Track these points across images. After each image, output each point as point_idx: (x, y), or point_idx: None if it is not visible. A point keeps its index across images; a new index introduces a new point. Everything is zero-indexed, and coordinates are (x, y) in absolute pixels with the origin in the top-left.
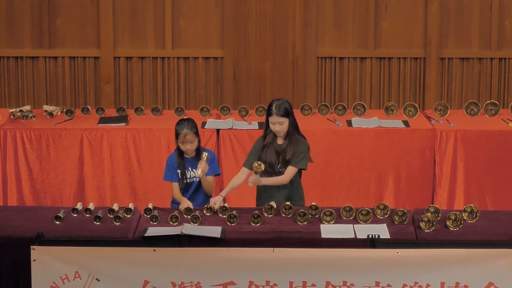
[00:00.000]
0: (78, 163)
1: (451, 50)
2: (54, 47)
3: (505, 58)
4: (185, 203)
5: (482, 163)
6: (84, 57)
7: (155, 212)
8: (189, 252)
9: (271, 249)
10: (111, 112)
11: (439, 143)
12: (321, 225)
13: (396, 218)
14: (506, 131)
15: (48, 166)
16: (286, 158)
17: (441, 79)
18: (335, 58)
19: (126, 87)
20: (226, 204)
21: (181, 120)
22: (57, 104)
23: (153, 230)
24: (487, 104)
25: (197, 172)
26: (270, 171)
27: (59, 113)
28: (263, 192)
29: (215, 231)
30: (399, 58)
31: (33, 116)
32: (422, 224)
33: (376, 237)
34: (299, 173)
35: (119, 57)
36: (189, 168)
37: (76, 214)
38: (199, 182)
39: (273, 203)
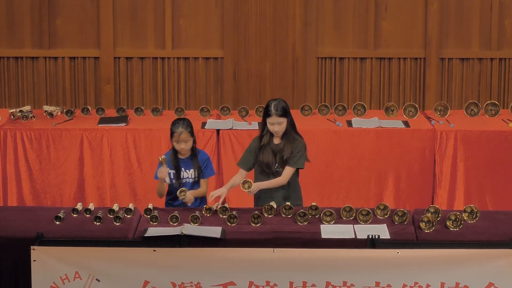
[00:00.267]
0: (78, 163)
1: (451, 50)
2: (54, 47)
3: (505, 58)
4: (164, 170)
5: (482, 164)
6: (84, 57)
7: (155, 213)
8: (189, 252)
9: (271, 249)
10: (111, 112)
11: (439, 144)
12: (321, 225)
13: (396, 218)
14: (506, 131)
15: (48, 166)
16: (283, 158)
17: (441, 79)
18: (335, 58)
19: (126, 87)
20: (226, 204)
21: (177, 119)
22: (57, 104)
23: (153, 231)
24: (487, 104)
25: (186, 201)
26: (268, 171)
27: (59, 113)
28: (261, 192)
29: (215, 231)
30: (399, 58)
31: (33, 117)
32: (422, 224)
33: (376, 237)
34: (296, 172)
35: (119, 57)
36: (183, 168)
37: (76, 214)
38: (193, 182)
39: (273, 204)
